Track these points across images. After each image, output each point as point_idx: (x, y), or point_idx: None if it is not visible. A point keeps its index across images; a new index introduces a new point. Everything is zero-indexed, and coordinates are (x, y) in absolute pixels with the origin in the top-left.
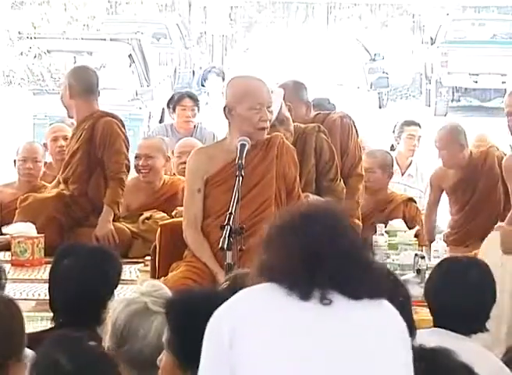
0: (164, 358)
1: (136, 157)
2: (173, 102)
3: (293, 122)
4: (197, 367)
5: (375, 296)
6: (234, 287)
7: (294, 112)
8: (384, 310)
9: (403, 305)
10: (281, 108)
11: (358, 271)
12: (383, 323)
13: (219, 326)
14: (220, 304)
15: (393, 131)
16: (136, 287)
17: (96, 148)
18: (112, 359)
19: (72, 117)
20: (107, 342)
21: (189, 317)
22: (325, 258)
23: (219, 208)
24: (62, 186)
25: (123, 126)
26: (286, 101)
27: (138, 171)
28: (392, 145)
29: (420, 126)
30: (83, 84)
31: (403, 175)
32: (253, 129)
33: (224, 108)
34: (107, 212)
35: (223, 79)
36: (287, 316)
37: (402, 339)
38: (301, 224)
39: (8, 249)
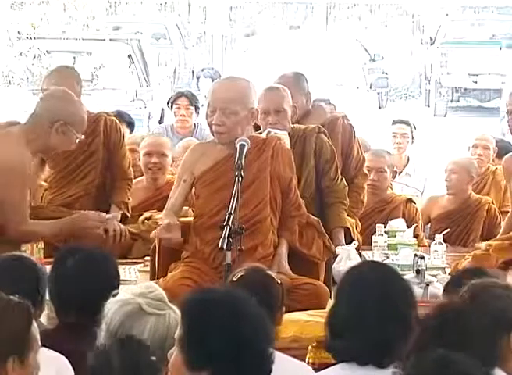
0: (174, 356)
1: (147, 154)
2: (170, 102)
3: (294, 112)
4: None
5: None
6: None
7: (294, 102)
8: None
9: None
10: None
11: None
12: None
13: None
14: (236, 304)
15: None
16: (128, 288)
17: (111, 148)
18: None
19: None
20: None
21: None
22: None
23: (212, 207)
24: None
25: None
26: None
27: (148, 169)
28: None
29: (409, 124)
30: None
31: (400, 174)
32: (212, 130)
33: None
34: (115, 210)
35: (213, 80)
36: None
37: None
38: None
39: None
